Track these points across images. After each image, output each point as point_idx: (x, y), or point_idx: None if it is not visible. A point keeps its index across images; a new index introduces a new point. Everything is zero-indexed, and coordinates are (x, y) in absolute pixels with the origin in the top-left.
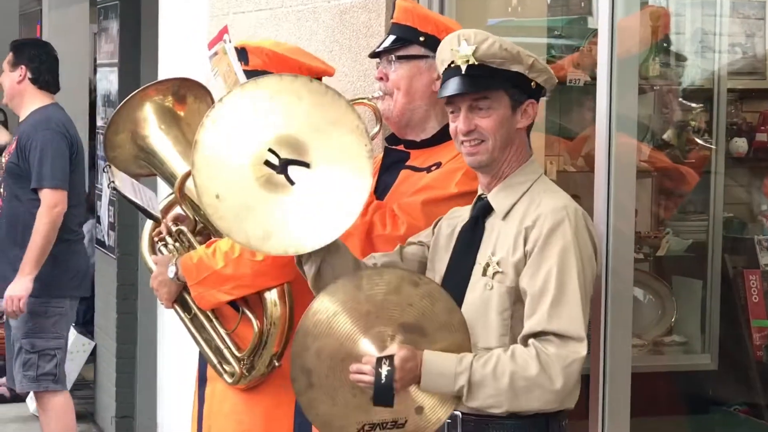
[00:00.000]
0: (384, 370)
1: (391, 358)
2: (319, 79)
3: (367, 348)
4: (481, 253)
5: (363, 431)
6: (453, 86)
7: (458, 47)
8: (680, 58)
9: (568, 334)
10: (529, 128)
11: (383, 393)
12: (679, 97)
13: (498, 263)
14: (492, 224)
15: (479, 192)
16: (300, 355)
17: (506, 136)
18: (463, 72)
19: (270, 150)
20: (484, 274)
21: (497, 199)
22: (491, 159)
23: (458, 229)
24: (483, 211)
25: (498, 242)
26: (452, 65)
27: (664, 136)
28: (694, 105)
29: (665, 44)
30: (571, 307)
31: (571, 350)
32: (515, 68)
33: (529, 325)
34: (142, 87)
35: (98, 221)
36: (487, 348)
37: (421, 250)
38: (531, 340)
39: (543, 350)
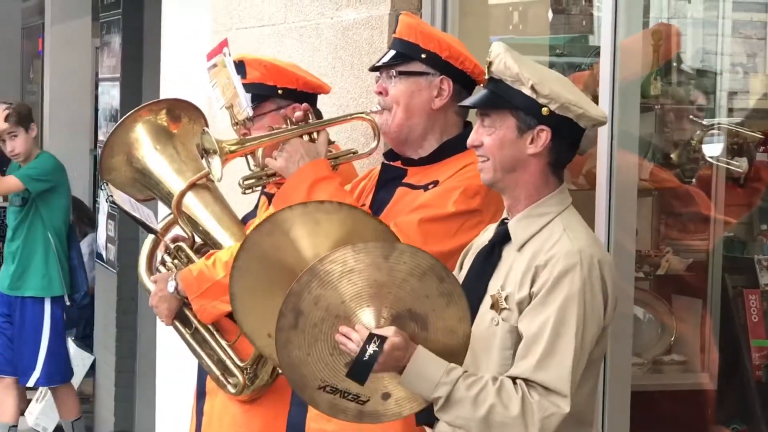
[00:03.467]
0: (371, 348)
1: (383, 339)
2: (315, 94)
3: (366, 318)
4: (492, 283)
5: (324, 390)
6: (470, 98)
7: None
8: (681, 77)
9: (553, 389)
10: (560, 158)
11: (360, 370)
12: (680, 117)
13: (506, 299)
14: (508, 253)
15: (504, 215)
16: (299, 294)
17: (511, 159)
18: (483, 84)
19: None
20: (493, 307)
21: (517, 228)
22: (494, 179)
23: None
24: (501, 238)
25: (509, 275)
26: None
27: (672, 156)
28: (695, 124)
29: (666, 64)
30: (560, 361)
31: (554, 403)
32: (523, 89)
33: (518, 369)
34: (134, 109)
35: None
36: None
37: None
38: (519, 381)
39: (528, 395)
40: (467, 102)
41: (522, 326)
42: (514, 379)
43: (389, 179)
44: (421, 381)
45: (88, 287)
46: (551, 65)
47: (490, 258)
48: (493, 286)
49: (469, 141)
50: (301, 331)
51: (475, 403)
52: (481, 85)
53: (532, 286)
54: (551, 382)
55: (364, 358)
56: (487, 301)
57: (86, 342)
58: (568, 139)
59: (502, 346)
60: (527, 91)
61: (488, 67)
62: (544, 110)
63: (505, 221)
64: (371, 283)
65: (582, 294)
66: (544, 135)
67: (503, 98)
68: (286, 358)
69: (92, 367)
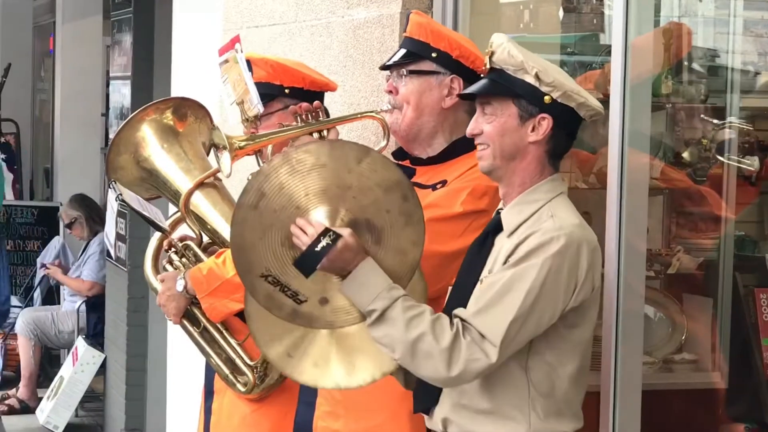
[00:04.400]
0: (324, 241)
1: (337, 236)
2: (322, 92)
3: (323, 216)
4: (484, 270)
5: (266, 279)
6: (470, 87)
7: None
8: (693, 76)
9: (485, 335)
10: (558, 147)
11: (308, 260)
12: (691, 115)
13: None
14: (499, 241)
15: (499, 205)
16: (266, 175)
17: (511, 147)
18: (483, 75)
19: None
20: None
21: (509, 215)
22: (492, 167)
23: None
24: (494, 227)
25: (497, 260)
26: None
27: (684, 155)
28: (706, 123)
29: (677, 62)
30: (500, 314)
31: (483, 349)
32: (527, 78)
33: (461, 312)
34: (140, 108)
35: (117, 238)
36: None
37: None
38: (456, 320)
39: (461, 335)
40: (468, 90)
41: (483, 282)
42: (454, 317)
43: None
44: (361, 290)
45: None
46: (562, 64)
47: (483, 247)
48: (484, 273)
49: (469, 129)
50: (260, 213)
51: (407, 325)
52: (482, 75)
53: (510, 257)
54: (485, 329)
55: (316, 249)
56: (477, 288)
57: (97, 340)
58: (567, 128)
59: None
60: (530, 80)
61: (489, 57)
62: (546, 98)
63: (500, 210)
64: (338, 183)
65: (547, 264)
66: (546, 123)
67: (505, 86)
68: (238, 237)
69: (103, 365)
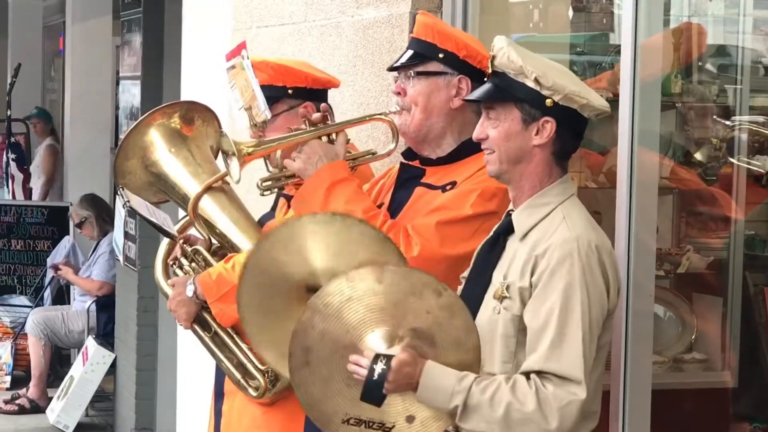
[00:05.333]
0: (378, 367)
1: (389, 357)
2: (326, 89)
3: (373, 343)
4: (496, 272)
5: (348, 423)
6: (474, 92)
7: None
8: (702, 75)
9: (566, 376)
10: (565, 148)
11: (372, 390)
12: (701, 115)
13: (507, 288)
14: (511, 243)
15: (510, 207)
16: (303, 331)
17: (516, 151)
18: (487, 79)
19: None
20: (495, 296)
21: (520, 218)
22: (500, 171)
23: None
24: (505, 228)
25: (512, 265)
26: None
27: (697, 155)
28: (716, 123)
29: (688, 62)
30: (571, 348)
31: (570, 392)
32: (527, 82)
33: (529, 362)
34: (148, 113)
35: (127, 238)
36: (490, 372)
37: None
38: (533, 376)
39: (542, 388)
40: (472, 96)
41: (527, 318)
42: (528, 374)
43: (407, 179)
44: (436, 394)
45: None
46: (571, 63)
47: (494, 248)
48: (497, 276)
49: (475, 134)
50: (314, 368)
51: (491, 405)
52: (486, 79)
53: (532, 275)
54: (564, 369)
55: (374, 378)
56: (491, 291)
57: (107, 340)
58: (572, 129)
59: (505, 334)
60: (531, 84)
61: (491, 61)
62: (548, 101)
63: (510, 212)
64: (371, 309)
65: (583, 279)
66: (549, 126)
67: (507, 91)
68: (305, 396)
69: (113, 365)
